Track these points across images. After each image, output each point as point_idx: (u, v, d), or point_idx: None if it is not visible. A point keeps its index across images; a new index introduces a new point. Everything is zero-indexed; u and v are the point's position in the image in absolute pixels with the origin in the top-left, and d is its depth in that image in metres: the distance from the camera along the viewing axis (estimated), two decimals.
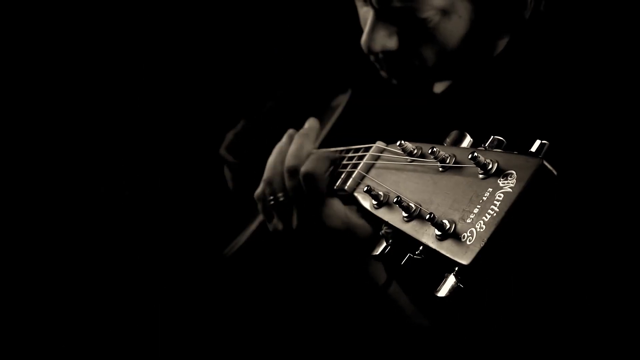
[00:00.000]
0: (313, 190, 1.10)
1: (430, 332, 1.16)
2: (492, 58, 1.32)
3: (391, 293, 1.15)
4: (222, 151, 1.78)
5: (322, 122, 1.68)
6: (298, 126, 1.67)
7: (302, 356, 1.58)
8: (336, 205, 1.11)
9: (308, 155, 1.14)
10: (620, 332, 1.07)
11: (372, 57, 1.35)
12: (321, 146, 1.58)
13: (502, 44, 1.31)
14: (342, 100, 1.69)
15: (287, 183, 1.15)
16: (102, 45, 2.20)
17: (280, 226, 1.21)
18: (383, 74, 1.39)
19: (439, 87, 1.45)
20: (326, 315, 1.46)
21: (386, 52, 1.29)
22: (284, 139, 1.24)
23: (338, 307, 1.37)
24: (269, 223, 1.25)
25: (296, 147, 1.16)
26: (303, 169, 1.11)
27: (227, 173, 1.79)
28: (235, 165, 1.74)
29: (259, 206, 1.25)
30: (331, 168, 1.13)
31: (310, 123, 1.25)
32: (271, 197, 1.20)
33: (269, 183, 1.20)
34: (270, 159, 1.21)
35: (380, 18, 1.25)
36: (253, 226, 1.60)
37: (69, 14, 2.16)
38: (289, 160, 1.15)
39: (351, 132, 1.57)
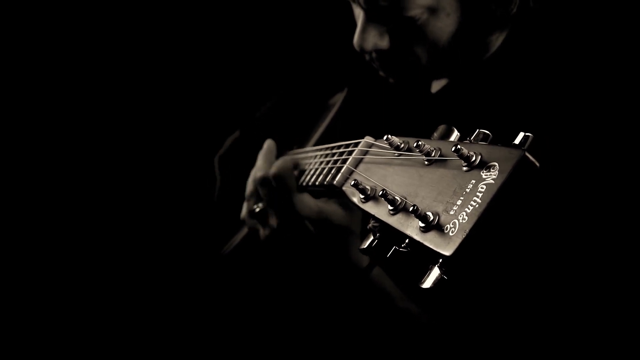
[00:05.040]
0: (283, 187, 1.22)
1: (418, 316, 1.18)
2: (486, 57, 1.32)
3: (375, 276, 1.17)
4: (216, 160, 1.82)
5: (319, 120, 1.69)
6: (296, 126, 1.68)
7: (301, 350, 1.59)
8: (305, 197, 1.20)
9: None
10: (603, 319, 1.07)
11: (366, 57, 1.36)
12: (317, 144, 1.59)
13: (495, 41, 1.31)
14: (338, 99, 1.69)
15: (261, 192, 1.28)
16: (103, 45, 2.21)
17: (266, 232, 1.32)
18: (381, 73, 1.40)
19: (435, 87, 1.45)
20: (321, 310, 1.47)
21: (379, 52, 1.31)
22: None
23: (329, 299, 1.39)
24: (259, 235, 1.37)
25: (261, 162, 1.30)
26: (271, 172, 1.23)
27: (217, 182, 1.82)
28: (220, 179, 1.79)
29: (247, 225, 1.40)
30: (310, 163, 1.23)
31: (268, 144, 1.36)
32: (253, 208, 1.34)
33: (249, 199, 1.36)
34: (251, 175, 1.34)
35: (370, 18, 1.26)
36: None
37: (69, 14, 2.17)
38: (256, 174, 1.29)
39: (347, 130, 1.58)
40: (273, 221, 1.26)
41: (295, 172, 1.27)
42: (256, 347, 1.70)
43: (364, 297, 1.20)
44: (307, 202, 1.18)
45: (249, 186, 1.36)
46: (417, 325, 1.18)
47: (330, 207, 1.17)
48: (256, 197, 1.33)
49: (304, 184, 1.20)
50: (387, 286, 1.17)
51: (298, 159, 1.31)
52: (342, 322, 1.41)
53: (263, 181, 1.27)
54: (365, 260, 1.17)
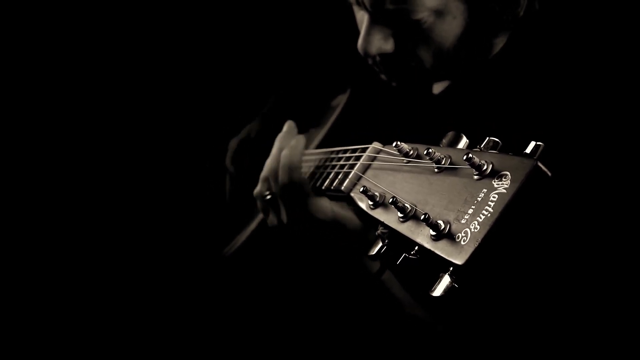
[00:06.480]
0: (291, 180, 1.17)
1: (425, 321, 1.18)
2: (489, 58, 1.32)
3: (384, 281, 1.17)
4: (227, 162, 1.80)
5: (322, 122, 1.69)
6: (298, 127, 1.68)
7: (303, 352, 1.59)
8: (322, 201, 1.17)
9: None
10: (614, 331, 1.07)
11: (369, 61, 1.35)
12: (320, 146, 1.59)
13: (499, 43, 1.31)
14: (341, 100, 1.69)
15: (273, 186, 1.23)
16: (103, 45, 2.21)
17: (274, 221, 1.28)
18: (382, 77, 1.39)
19: (437, 88, 1.45)
20: (325, 311, 1.47)
21: (383, 55, 1.30)
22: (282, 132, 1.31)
23: (336, 300, 1.39)
24: (267, 218, 1.32)
25: (276, 150, 1.24)
26: (281, 161, 1.18)
27: (228, 184, 1.81)
28: (235, 175, 1.76)
29: (258, 203, 1.33)
30: (316, 166, 1.21)
31: (288, 125, 1.30)
32: (266, 193, 1.28)
33: (265, 180, 1.28)
34: (268, 159, 1.27)
35: (375, 21, 1.25)
36: (252, 225, 1.60)
37: (69, 14, 2.17)
38: (270, 164, 1.24)
39: (350, 132, 1.58)
40: (283, 216, 1.24)
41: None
42: (258, 351, 1.70)
43: (372, 300, 1.20)
44: (323, 206, 1.16)
45: (269, 167, 1.27)
46: (425, 330, 1.18)
47: (346, 213, 1.16)
48: (268, 184, 1.29)
49: (316, 186, 1.19)
50: (396, 292, 1.17)
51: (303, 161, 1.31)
52: (347, 325, 1.41)
53: (275, 176, 1.22)
54: (375, 265, 1.16)
